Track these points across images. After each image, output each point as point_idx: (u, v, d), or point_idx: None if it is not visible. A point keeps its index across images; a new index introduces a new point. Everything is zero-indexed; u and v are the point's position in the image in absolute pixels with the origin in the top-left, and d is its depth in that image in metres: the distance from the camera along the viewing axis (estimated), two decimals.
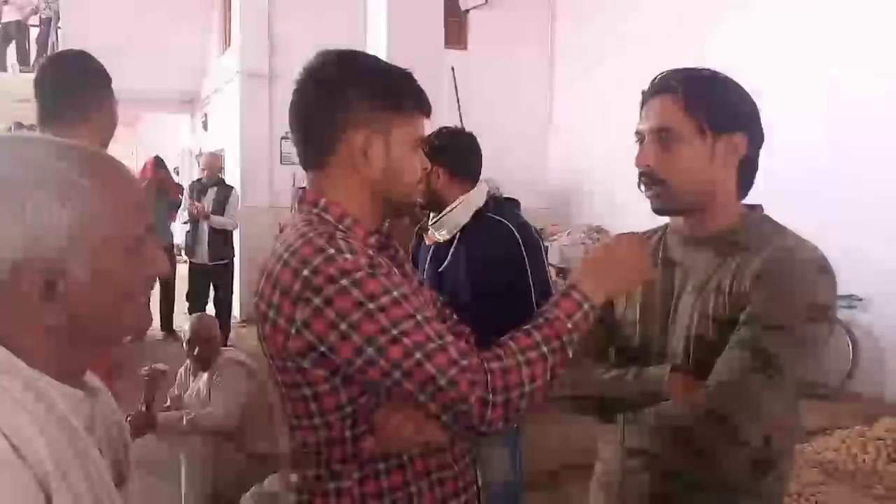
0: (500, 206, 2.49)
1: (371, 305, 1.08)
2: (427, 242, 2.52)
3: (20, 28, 10.54)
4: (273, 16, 8.06)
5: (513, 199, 2.65)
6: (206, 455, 3.24)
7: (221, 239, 6.65)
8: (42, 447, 0.75)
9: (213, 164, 6.77)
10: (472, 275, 2.33)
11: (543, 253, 2.49)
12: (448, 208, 2.39)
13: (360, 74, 1.24)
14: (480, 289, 2.30)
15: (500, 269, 2.32)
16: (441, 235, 2.44)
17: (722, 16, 6.68)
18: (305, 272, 1.10)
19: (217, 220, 6.52)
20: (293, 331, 1.11)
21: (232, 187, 6.84)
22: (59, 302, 0.80)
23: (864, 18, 5.52)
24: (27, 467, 0.73)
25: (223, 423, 3.27)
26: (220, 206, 6.58)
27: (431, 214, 2.49)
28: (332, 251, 1.11)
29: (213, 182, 6.69)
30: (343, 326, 1.08)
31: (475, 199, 2.42)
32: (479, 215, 2.40)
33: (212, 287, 6.75)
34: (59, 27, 9.97)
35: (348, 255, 1.11)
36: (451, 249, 2.40)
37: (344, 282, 1.09)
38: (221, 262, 6.67)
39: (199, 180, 6.85)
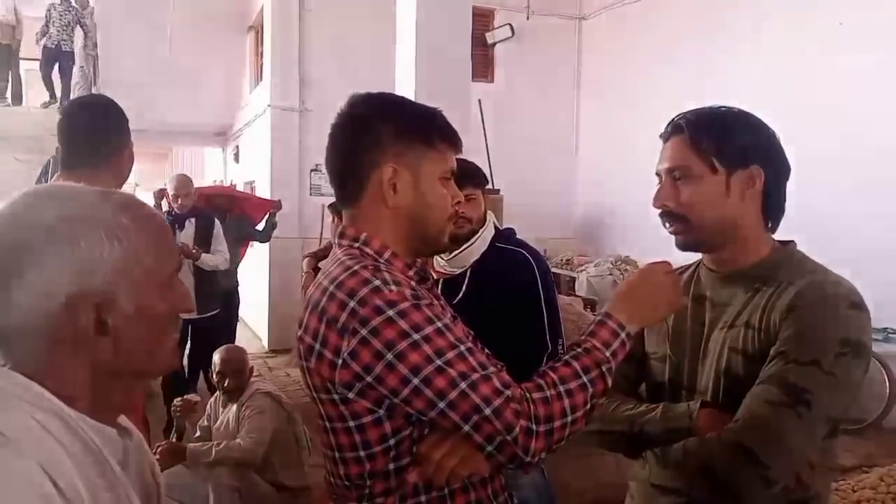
0: (504, 235, 2.47)
1: (416, 336, 1.10)
2: (434, 276, 2.46)
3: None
4: (303, 51, 8.22)
5: (509, 228, 2.59)
6: (235, 486, 3.25)
7: (209, 284, 5.04)
8: (80, 484, 0.78)
9: (188, 190, 5.13)
10: (492, 306, 2.25)
11: (552, 278, 2.47)
12: (469, 242, 2.35)
13: (386, 111, 1.29)
14: (499, 320, 2.26)
15: (519, 299, 2.29)
16: (455, 269, 2.38)
17: (748, 51, 6.68)
18: (352, 303, 1.12)
19: (207, 260, 4.99)
20: (340, 362, 1.13)
21: (213, 217, 5.38)
22: (109, 336, 0.84)
23: None
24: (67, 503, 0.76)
25: (251, 454, 3.29)
26: (204, 242, 5.07)
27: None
28: (377, 283, 1.13)
29: (188, 213, 5.11)
30: (389, 356, 1.10)
31: (489, 230, 2.41)
32: (490, 246, 2.38)
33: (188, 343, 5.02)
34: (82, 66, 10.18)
35: (393, 287, 1.14)
36: (466, 281, 2.35)
37: (390, 312, 1.11)
38: (210, 314, 5.04)
39: (168, 212, 5.11)
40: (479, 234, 2.36)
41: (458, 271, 2.37)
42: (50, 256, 0.80)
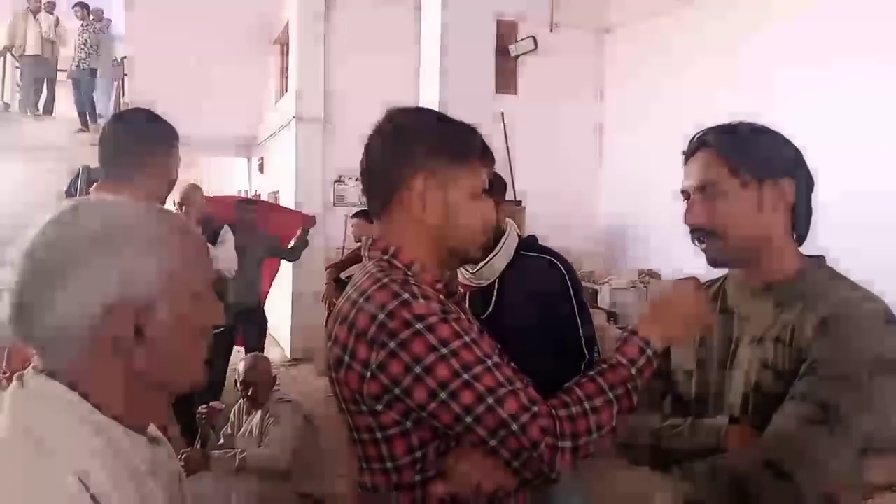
0: (528, 242, 2.41)
1: (444, 350, 1.11)
2: (461, 290, 2.36)
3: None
4: (328, 63, 8.30)
5: (532, 235, 2.52)
6: (258, 494, 3.27)
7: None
8: (113, 492, 0.79)
9: (192, 199, 4.73)
10: (524, 316, 2.23)
11: (580, 282, 2.40)
12: (492, 254, 2.28)
13: (421, 126, 1.30)
14: (534, 330, 2.20)
15: (551, 307, 2.24)
16: (483, 281, 2.32)
17: (772, 64, 6.63)
18: (381, 316, 1.13)
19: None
20: (368, 374, 1.14)
21: (222, 224, 5.12)
22: (146, 345, 0.85)
23: None
24: None
25: (275, 462, 3.31)
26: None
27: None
28: (406, 296, 1.14)
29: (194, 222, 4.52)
30: (417, 370, 1.11)
31: (512, 239, 2.34)
32: (514, 255, 2.32)
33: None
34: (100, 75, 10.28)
35: (422, 300, 1.14)
36: (494, 293, 2.30)
37: (418, 326, 1.12)
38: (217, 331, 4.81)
39: None
40: (502, 244, 2.30)
41: (486, 283, 2.32)
42: (92, 264, 0.82)
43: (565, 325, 2.25)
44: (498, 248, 2.30)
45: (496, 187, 2.36)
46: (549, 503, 2.21)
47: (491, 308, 2.29)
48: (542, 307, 2.24)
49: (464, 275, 2.34)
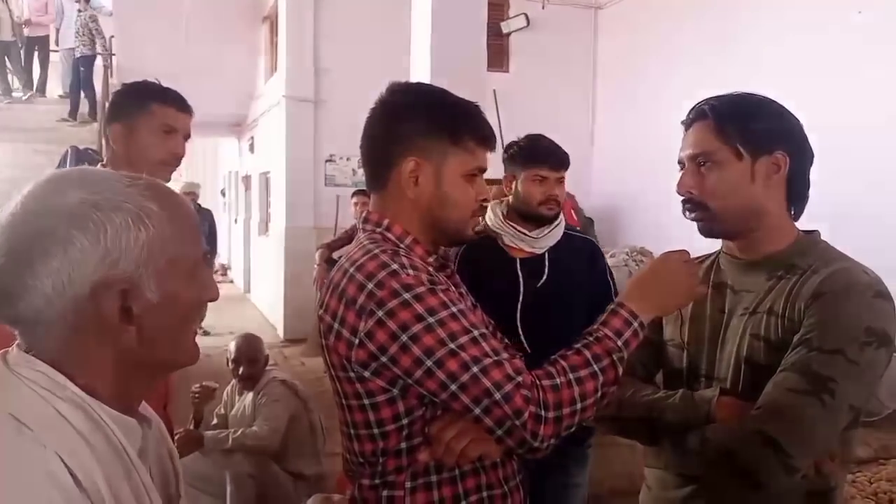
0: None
1: (430, 319, 1.13)
2: (511, 254, 2.39)
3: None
4: (318, 41, 8.22)
5: None
6: (251, 473, 3.28)
7: None
8: (99, 477, 0.78)
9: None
10: (572, 293, 2.34)
11: None
12: (557, 221, 2.41)
13: (421, 103, 1.32)
14: (584, 300, 2.29)
15: (596, 289, 2.38)
16: (539, 249, 2.39)
17: (767, 39, 6.61)
18: (370, 286, 1.17)
19: None
20: (356, 341, 1.18)
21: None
22: (133, 324, 0.83)
23: None
24: (85, 496, 0.76)
25: (267, 441, 3.32)
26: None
27: (522, 226, 2.38)
28: (395, 267, 1.17)
29: None
30: (404, 338, 1.13)
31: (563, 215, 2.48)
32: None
33: None
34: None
35: (410, 271, 1.17)
36: (547, 264, 2.38)
37: (406, 296, 1.14)
38: None
39: None
40: (561, 218, 2.45)
41: (541, 251, 2.40)
42: (75, 242, 0.79)
43: (606, 299, 2.34)
44: (558, 221, 2.42)
45: (561, 162, 2.45)
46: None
47: (545, 277, 2.37)
48: (591, 282, 2.41)
49: (515, 240, 2.39)
